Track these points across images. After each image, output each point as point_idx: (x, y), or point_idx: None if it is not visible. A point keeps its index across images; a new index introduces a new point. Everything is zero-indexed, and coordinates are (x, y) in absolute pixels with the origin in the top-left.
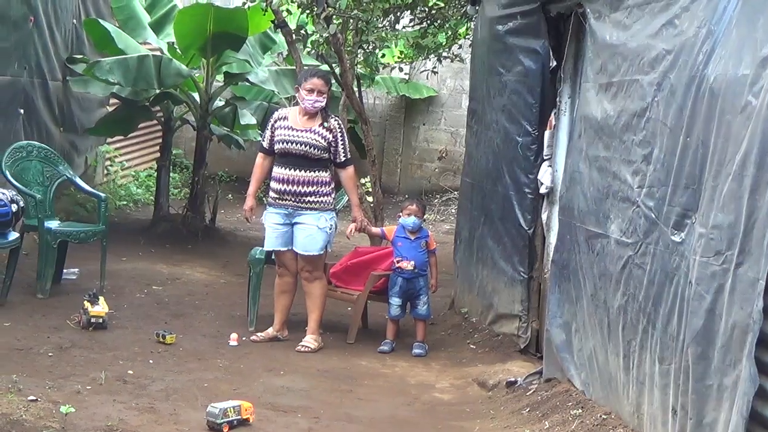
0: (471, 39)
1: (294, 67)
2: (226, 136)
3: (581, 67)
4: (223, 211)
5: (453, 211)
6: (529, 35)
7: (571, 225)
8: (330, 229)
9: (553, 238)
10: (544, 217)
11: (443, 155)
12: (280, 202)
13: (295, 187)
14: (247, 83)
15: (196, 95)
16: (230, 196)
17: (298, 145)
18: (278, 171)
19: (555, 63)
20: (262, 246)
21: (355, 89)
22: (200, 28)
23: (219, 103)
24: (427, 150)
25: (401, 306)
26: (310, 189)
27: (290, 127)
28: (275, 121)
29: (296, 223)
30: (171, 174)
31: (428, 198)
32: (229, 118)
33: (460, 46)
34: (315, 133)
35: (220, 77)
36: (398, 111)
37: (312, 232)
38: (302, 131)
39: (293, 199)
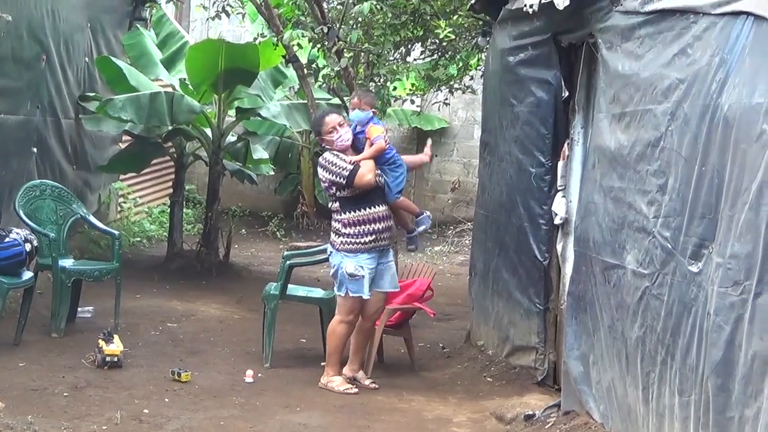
0: (482, 70)
1: (306, 101)
2: (238, 171)
3: (594, 97)
4: (236, 246)
5: (467, 242)
6: (540, 66)
7: (587, 256)
8: None
9: (568, 270)
10: (559, 248)
11: (456, 186)
12: (377, 243)
13: (389, 222)
14: (259, 118)
15: (208, 131)
16: (244, 230)
17: (378, 177)
18: (376, 210)
19: (567, 93)
20: (276, 281)
21: None
22: (212, 64)
23: (231, 138)
24: (440, 181)
25: None
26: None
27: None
28: (343, 157)
29: (382, 263)
30: (184, 210)
31: (442, 229)
32: (241, 153)
33: (472, 78)
34: None
35: (232, 112)
36: (410, 143)
37: (394, 268)
38: None
39: (389, 235)
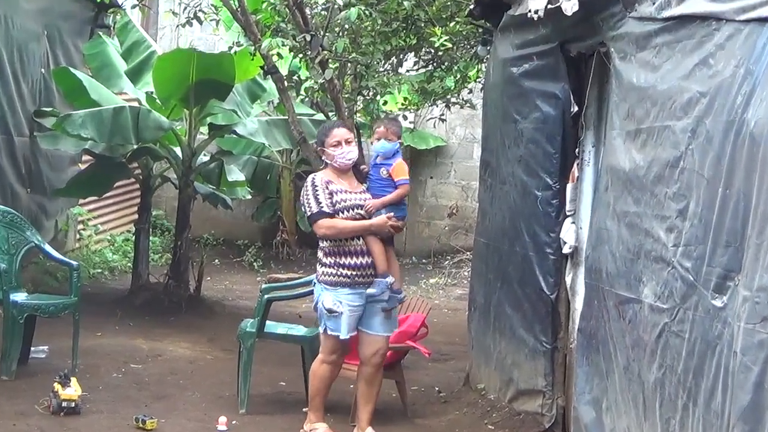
0: (482, 83)
1: (286, 117)
2: (211, 194)
3: (606, 112)
4: (209, 278)
5: (466, 274)
6: (547, 78)
7: (599, 289)
8: None
9: (578, 304)
10: (568, 280)
11: (454, 212)
12: (360, 279)
13: (370, 258)
14: (235, 136)
15: (178, 150)
16: (217, 261)
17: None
18: (354, 243)
19: (576, 108)
20: (253, 317)
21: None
22: (182, 76)
23: (203, 158)
24: (436, 206)
25: None
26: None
27: (347, 191)
28: (326, 185)
29: (371, 301)
30: (151, 238)
31: (438, 259)
32: (214, 175)
33: (471, 91)
34: (367, 193)
35: (204, 129)
36: None
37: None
38: (360, 193)
39: (372, 272)
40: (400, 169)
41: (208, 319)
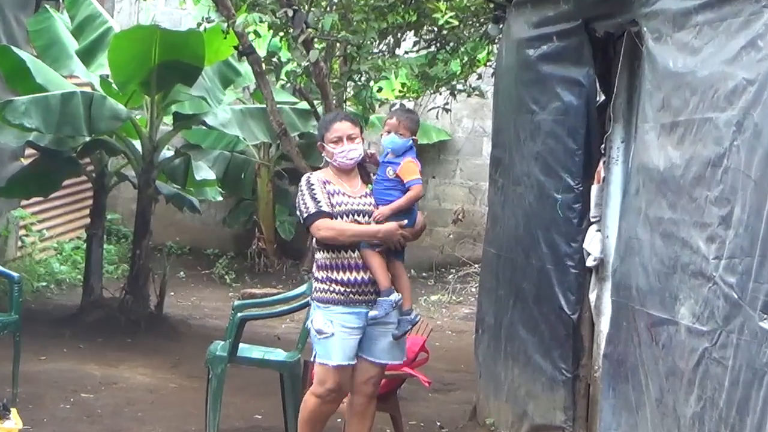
0: (493, 67)
1: (264, 106)
2: (176, 195)
3: (637, 102)
4: (173, 293)
5: (473, 290)
6: (568, 62)
7: (629, 308)
8: None
9: (604, 326)
10: (592, 297)
11: (459, 217)
12: (359, 297)
13: (368, 274)
14: (204, 127)
15: (137, 143)
16: (182, 273)
17: (367, 216)
18: (349, 256)
19: (603, 97)
20: (223, 339)
21: None
22: (143, 57)
23: (167, 153)
24: (439, 211)
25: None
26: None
27: (346, 194)
28: (323, 185)
29: (377, 324)
30: (105, 246)
31: (441, 273)
32: (180, 173)
33: (480, 77)
34: (370, 197)
35: (168, 119)
36: None
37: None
38: (362, 197)
39: (372, 289)
40: (409, 168)
41: (172, 341)
